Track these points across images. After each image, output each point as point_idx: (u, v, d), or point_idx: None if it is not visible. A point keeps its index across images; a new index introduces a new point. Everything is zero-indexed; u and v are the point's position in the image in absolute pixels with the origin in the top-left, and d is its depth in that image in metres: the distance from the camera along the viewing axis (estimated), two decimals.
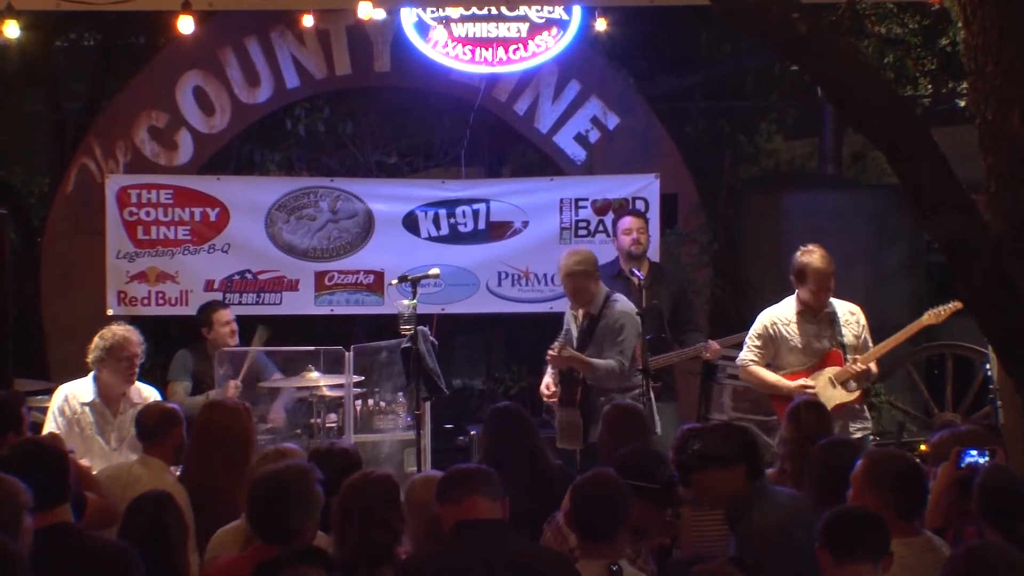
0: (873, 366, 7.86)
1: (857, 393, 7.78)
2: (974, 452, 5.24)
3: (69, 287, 10.02)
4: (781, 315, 7.89)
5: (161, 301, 9.98)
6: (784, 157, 14.44)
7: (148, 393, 7.71)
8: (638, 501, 5.16)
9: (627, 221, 8.89)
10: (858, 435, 7.69)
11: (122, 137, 10.14)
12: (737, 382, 8.87)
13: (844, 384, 7.71)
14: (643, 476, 5.32)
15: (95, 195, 9.99)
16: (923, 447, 8.85)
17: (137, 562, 4.39)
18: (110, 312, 9.71)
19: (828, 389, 7.65)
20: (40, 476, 4.72)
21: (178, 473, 6.44)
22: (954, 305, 7.76)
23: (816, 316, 7.82)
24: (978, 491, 4.87)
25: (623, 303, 7.99)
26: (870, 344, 7.90)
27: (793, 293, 7.91)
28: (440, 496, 4.64)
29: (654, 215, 10.07)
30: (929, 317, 7.98)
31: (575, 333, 8.10)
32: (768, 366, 7.89)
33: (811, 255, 7.72)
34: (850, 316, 7.88)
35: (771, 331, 7.86)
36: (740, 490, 5.32)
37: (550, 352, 7.90)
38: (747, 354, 7.93)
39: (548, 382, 8.19)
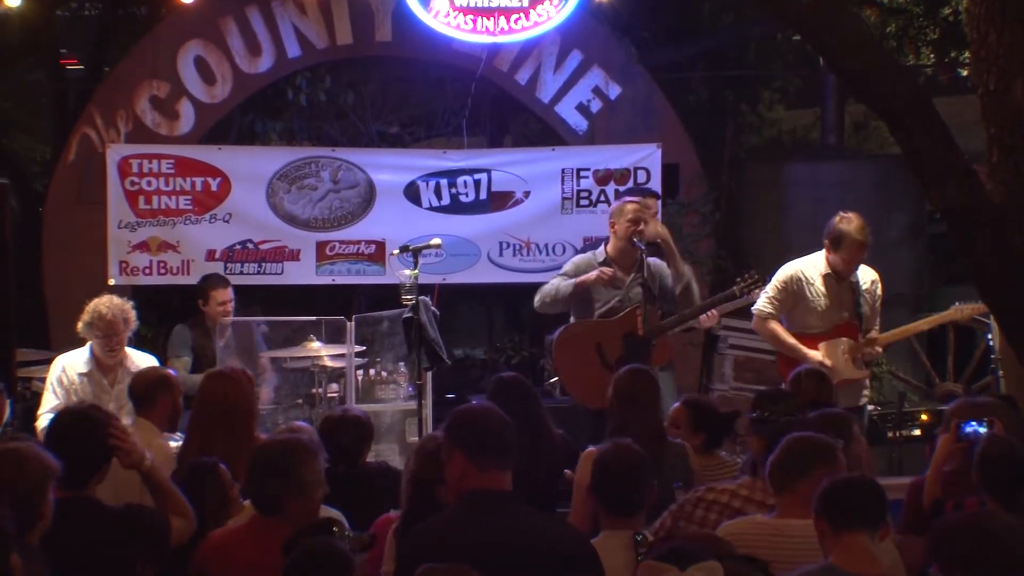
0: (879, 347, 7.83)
1: (866, 372, 7.74)
2: (973, 423, 5.25)
3: (70, 257, 10.01)
4: (807, 272, 7.66)
5: (163, 271, 9.97)
6: (786, 127, 14.44)
7: (146, 362, 7.64)
8: None
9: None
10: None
11: (123, 107, 10.11)
12: (739, 352, 8.85)
13: (855, 361, 7.62)
14: None
15: (96, 165, 9.98)
16: (924, 416, 8.88)
17: (163, 526, 4.41)
18: (112, 282, 9.69)
19: (840, 364, 7.55)
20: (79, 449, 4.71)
21: (180, 443, 6.45)
22: (981, 306, 7.57)
23: (840, 283, 7.64)
24: (978, 461, 4.88)
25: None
26: (879, 310, 7.81)
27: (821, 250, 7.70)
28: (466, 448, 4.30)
29: (656, 185, 10.04)
30: (954, 312, 7.91)
31: (618, 292, 7.91)
32: (781, 321, 7.70)
33: (850, 223, 7.53)
34: (870, 284, 7.73)
35: (794, 286, 7.64)
36: None
37: None
38: (765, 305, 7.70)
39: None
